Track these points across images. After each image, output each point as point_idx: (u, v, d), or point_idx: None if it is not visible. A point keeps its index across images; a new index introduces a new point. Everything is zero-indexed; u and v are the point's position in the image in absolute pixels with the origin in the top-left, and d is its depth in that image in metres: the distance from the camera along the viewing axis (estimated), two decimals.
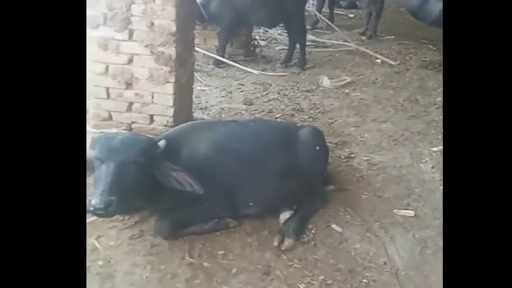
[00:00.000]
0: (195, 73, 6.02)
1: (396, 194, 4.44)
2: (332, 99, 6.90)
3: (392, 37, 10.30)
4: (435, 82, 7.49)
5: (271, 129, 4.25)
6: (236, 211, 3.84)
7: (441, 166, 4.76)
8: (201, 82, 7.16)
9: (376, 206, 4.24)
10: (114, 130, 4.52)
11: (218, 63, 8.04)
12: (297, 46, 8.40)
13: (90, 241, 3.56)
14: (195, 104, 6.05)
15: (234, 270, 3.40)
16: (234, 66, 8.00)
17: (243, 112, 6.26)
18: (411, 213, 4.14)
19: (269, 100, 6.75)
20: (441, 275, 3.18)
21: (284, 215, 3.89)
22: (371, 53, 9.03)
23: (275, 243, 3.65)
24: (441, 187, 4.47)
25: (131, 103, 4.79)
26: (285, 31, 9.12)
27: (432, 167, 4.93)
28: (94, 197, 3.09)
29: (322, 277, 3.37)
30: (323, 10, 11.73)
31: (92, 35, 4.54)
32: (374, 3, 10.19)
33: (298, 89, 7.26)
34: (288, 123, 5.38)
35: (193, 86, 5.55)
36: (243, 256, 3.54)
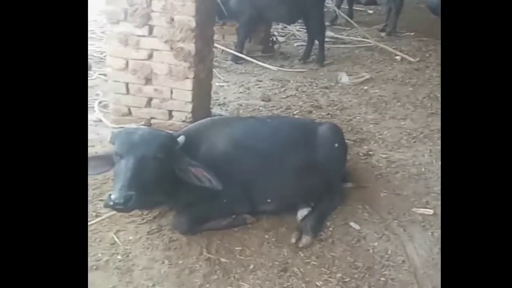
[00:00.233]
0: (213, 69, 6.02)
1: (415, 192, 4.41)
2: (350, 96, 6.87)
3: (412, 33, 10.22)
4: None
5: (290, 125, 4.23)
6: (254, 207, 3.84)
7: None
8: (220, 78, 7.17)
9: (395, 204, 4.21)
10: (133, 125, 4.56)
11: (236, 59, 8.06)
12: (316, 42, 8.37)
13: (109, 235, 3.60)
14: (213, 100, 6.06)
15: (251, 266, 3.40)
16: (252, 62, 8.00)
17: (260, 108, 6.26)
18: (430, 211, 4.10)
19: (287, 97, 6.74)
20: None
21: (302, 212, 3.88)
22: (390, 49, 8.97)
23: (293, 240, 3.64)
24: None
25: (150, 99, 4.83)
26: (304, 27, 9.10)
27: None
28: (113, 192, 3.10)
29: (339, 275, 3.36)
30: (342, 6, 11.67)
31: (113, 30, 4.59)
32: None
33: (316, 86, 7.24)
34: (307, 119, 5.36)
35: (211, 82, 5.56)
36: (260, 253, 3.54)
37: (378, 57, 8.71)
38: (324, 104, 6.52)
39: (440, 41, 9.38)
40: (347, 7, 11.64)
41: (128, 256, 3.43)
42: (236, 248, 3.57)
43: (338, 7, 11.46)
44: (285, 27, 10.27)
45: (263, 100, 6.50)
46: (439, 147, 5.27)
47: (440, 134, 5.60)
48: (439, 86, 7.24)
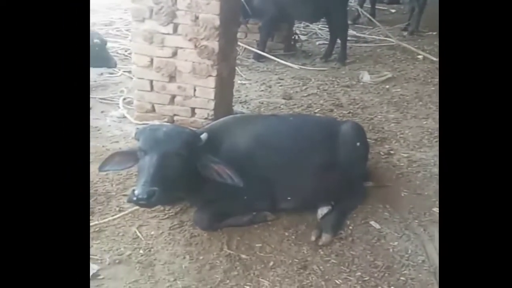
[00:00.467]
0: (236, 67, 6.05)
1: (436, 191, 4.38)
2: (372, 95, 6.85)
3: (434, 33, 10.12)
4: None
5: (312, 123, 4.24)
6: (274, 204, 3.86)
7: None
8: (242, 76, 7.21)
9: (416, 203, 4.19)
10: (156, 122, 4.62)
11: (258, 57, 8.09)
12: (338, 41, 8.35)
13: (132, 229, 3.66)
14: (235, 97, 6.11)
15: (271, 263, 3.42)
16: (274, 61, 8.02)
17: (282, 106, 6.28)
18: None
19: (308, 95, 6.74)
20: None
21: (322, 210, 3.89)
22: (412, 49, 8.91)
23: (313, 238, 3.66)
24: None
25: (173, 96, 4.88)
26: (326, 26, 9.08)
27: None
28: (137, 187, 3.14)
29: (359, 273, 3.37)
30: (364, 5, 11.62)
31: (138, 28, 4.64)
32: None
33: (337, 84, 7.23)
34: (329, 118, 5.36)
35: (234, 80, 5.60)
36: (280, 250, 3.56)
37: (400, 56, 8.66)
38: (345, 102, 6.51)
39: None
40: (369, 6, 11.58)
41: (150, 250, 3.48)
42: (256, 244, 3.59)
43: (361, 6, 11.42)
44: (307, 25, 10.26)
45: (284, 98, 6.51)
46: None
47: None
48: None
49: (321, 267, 3.41)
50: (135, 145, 3.47)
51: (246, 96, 6.57)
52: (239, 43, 7.39)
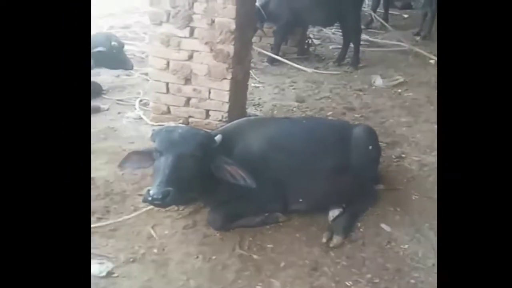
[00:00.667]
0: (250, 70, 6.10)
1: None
2: (384, 99, 6.87)
3: None
4: None
5: (324, 126, 4.27)
6: (286, 206, 3.89)
7: None
8: (255, 79, 7.26)
9: (426, 207, 4.19)
10: (171, 124, 4.68)
11: (272, 61, 8.15)
12: (351, 45, 8.38)
13: (146, 229, 3.70)
14: (249, 100, 6.15)
15: (282, 264, 3.44)
16: (287, 64, 8.06)
17: (294, 109, 6.31)
18: None
19: (321, 98, 6.78)
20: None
21: (333, 213, 3.91)
22: (425, 53, 8.90)
23: (324, 240, 3.68)
24: None
25: (189, 98, 4.95)
26: (339, 30, 9.12)
27: None
28: (152, 187, 3.18)
29: (369, 276, 3.38)
30: (378, 10, 11.63)
31: (155, 31, 4.71)
32: (430, 4, 10.06)
33: (350, 88, 7.26)
34: (342, 121, 5.37)
35: (248, 83, 5.65)
36: (291, 251, 3.58)
37: (413, 61, 8.67)
38: (357, 106, 6.53)
39: None
40: (382, 11, 11.59)
41: (164, 250, 3.52)
42: (268, 245, 3.62)
43: (374, 11, 11.44)
44: (321, 30, 10.30)
45: (297, 101, 6.55)
46: None
47: None
48: None
49: (331, 269, 3.42)
50: (151, 146, 3.52)
51: (260, 99, 6.62)
52: (253, 46, 7.46)
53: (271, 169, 3.73)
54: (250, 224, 3.79)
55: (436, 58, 8.59)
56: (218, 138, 3.57)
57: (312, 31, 10.04)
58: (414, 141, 5.50)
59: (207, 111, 4.96)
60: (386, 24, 10.88)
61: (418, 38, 10.24)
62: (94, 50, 5.96)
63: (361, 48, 8.58)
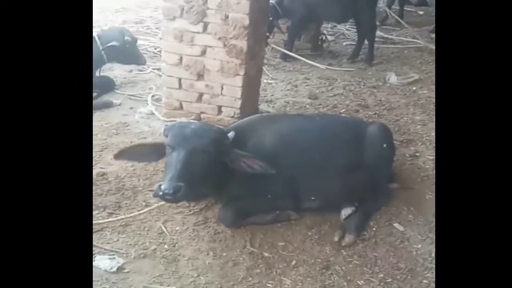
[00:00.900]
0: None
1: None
2: (398, 96, 6.80)
3: None
4: None
5: (338, 124, 4.25)
6: (298, 204, 3.87)
7: None
8: (268, 75, 7.23)
9: None
10: (183, 119, 4.68)
11: (285, 57, 8.11)
12: (365, 42, 8.32)
13: (157, 225, 3.72)
14: (261, 96, 6.14)
15: (293, 262, 3.44)
16: (300, 60, 8.03)
17: (307, 106, 6.28)
18: None
19: (334, 95, 6.73)
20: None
21: (346, 211, 3.88)
22: None
23: (336, 238, 3.66)
24: None
25: (201, 94, 4.95)
26: (353, 26, 9.05)
27: None
28: (163, 183, 3.19)
29: (381, 275, 3.37)
30: (393, 6, 11.54)
31: (169, 26, 4.71)
32: None
33: (364, 85, 7.20)
34: (356, 118, 5.34)
35: (260, 79, 5.63)
36: (303, 249, 3.57)
37: (428, 58, 8.56)
38: (371, 103, 6.48)
39: None
40: (398, 7, 11.49)
41: (174, 246, 3.53)
42: (279, 243, 3.61)
43: (389, 7, 11.33)
44: (335, 26, 10.23)
45: (310, 98, 6.51)
46: None
47: None
48: None
49: (343, 268, 3.41)
50: (163, 140, 3.51)
51: (272, 95, 6.59)
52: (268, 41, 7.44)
53: (283, 166, 3.69)
54: (261, 221, 3.78)
55: None
56: (231, 134, 3.58)
57: (326, 27, 9.99)
58: (428, 140, 5.44)
59: (219, 107, 4.96)
60: (401, 20, 10.75)
61: (433, 35, 10.12)
62: (107, 44, 5.96)
63: (375, 45, 8.50)
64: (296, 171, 3.78)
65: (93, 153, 4.63)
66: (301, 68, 7.82)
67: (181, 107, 5.07)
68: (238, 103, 4.89)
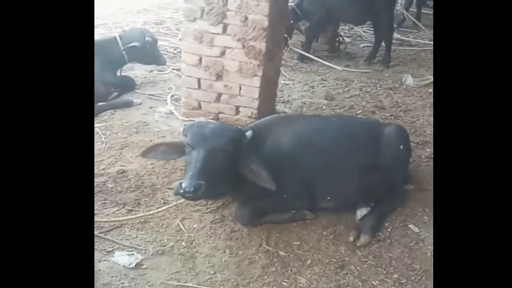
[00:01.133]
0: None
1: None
2: (415, 98, 6.80)
3: None
4: None
5: (355, 125, 4.27)
6: (314, 204, 3.89)
7: None
8: (285, 76, 7.26)
9: None
10: (202, 119, 4.73)
11: (302, 58, 8.14)
12: (382, 44, 8.32)
13: (175, 222, 3.77)
14: (278, 97, 6.16)
15: (308, 261, 3.46)
16: (317, 62, 8.04)
17: (324, 107, 6.30)
18: None
19: (351, 96, 6.74)
20: None
21: (361, 211, 3.90)
22: None
23: (351, 239, 3.68)
24: None
25: (219, 94, 5.00)
26: (371, 28, 9.05)
27: None
28: (184, 181, 3.25)
29: (396, 276, 3.38)
30: (410, 9, 11.50)
31: (189, 27, 4.77)
32: None
33: (380, 87, 7.21)
34: (372, 120, 5.34)
35: (278, 80, 5.66)
36: (318, 249, 3.59)
37: None
38: (387, 105, 6.48)
39: None
40: (415, 10, 11.45)
41: (192, 243, 3.57)
42: (295, 242, 3.64)
43: (407, 9, 11.30)
44: (352, 28, 10.24)
45: (326, 99, 6.53)
46: None
47: None
48: None
49: (358, 268, 3.43)
50: (182, 140, 3.57)
51: (289, 96, 6.62)
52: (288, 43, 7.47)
53: (300, 167, 3.74)
54: (277, 220, 3.81)
55: None
56: (248, 134, 3.62)
57: (343, 29, 9.99)
58: None
59: (237, 107, 5.00)
60: (418, 23, 10.74)
61: None
62: (128, 45, 6.08)
63: (392, 47, 8.50)
64: (312, 171, 3.80)
65: (114, 151, 4.72)
66: (318, 69, 7.83)
67: (199, 107, 5.12)
68: (256, 104, 4.93)
